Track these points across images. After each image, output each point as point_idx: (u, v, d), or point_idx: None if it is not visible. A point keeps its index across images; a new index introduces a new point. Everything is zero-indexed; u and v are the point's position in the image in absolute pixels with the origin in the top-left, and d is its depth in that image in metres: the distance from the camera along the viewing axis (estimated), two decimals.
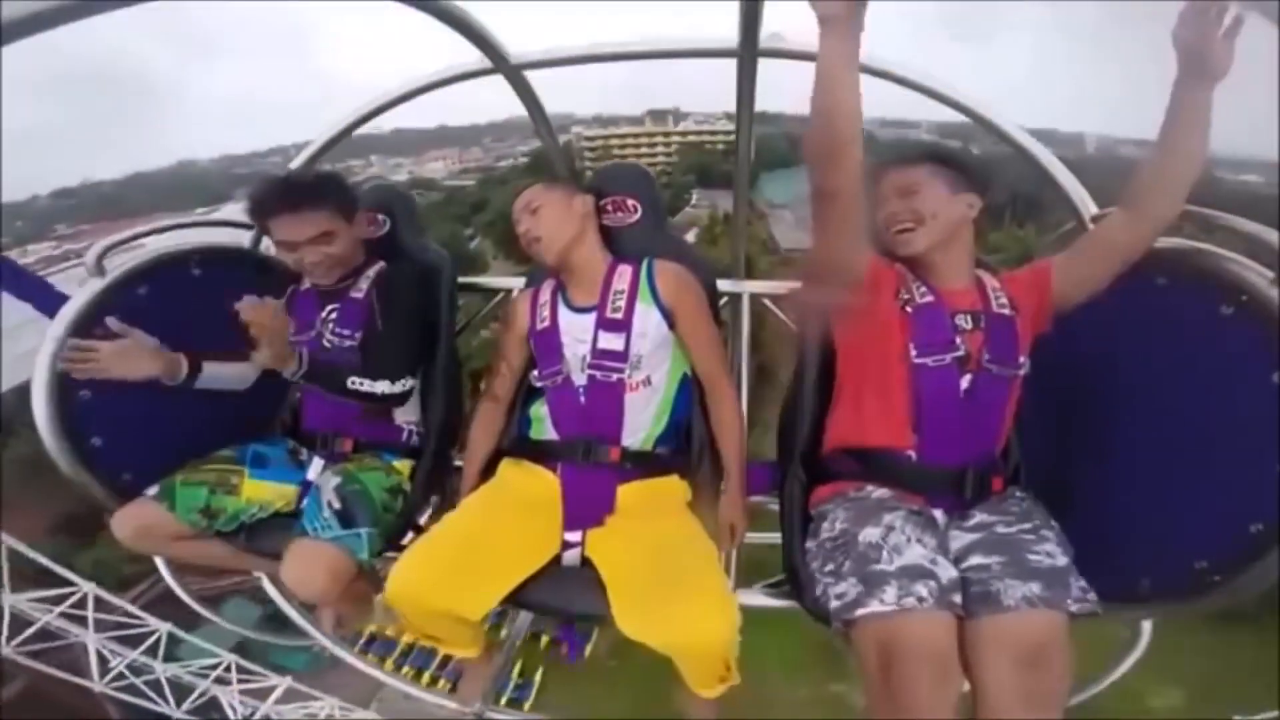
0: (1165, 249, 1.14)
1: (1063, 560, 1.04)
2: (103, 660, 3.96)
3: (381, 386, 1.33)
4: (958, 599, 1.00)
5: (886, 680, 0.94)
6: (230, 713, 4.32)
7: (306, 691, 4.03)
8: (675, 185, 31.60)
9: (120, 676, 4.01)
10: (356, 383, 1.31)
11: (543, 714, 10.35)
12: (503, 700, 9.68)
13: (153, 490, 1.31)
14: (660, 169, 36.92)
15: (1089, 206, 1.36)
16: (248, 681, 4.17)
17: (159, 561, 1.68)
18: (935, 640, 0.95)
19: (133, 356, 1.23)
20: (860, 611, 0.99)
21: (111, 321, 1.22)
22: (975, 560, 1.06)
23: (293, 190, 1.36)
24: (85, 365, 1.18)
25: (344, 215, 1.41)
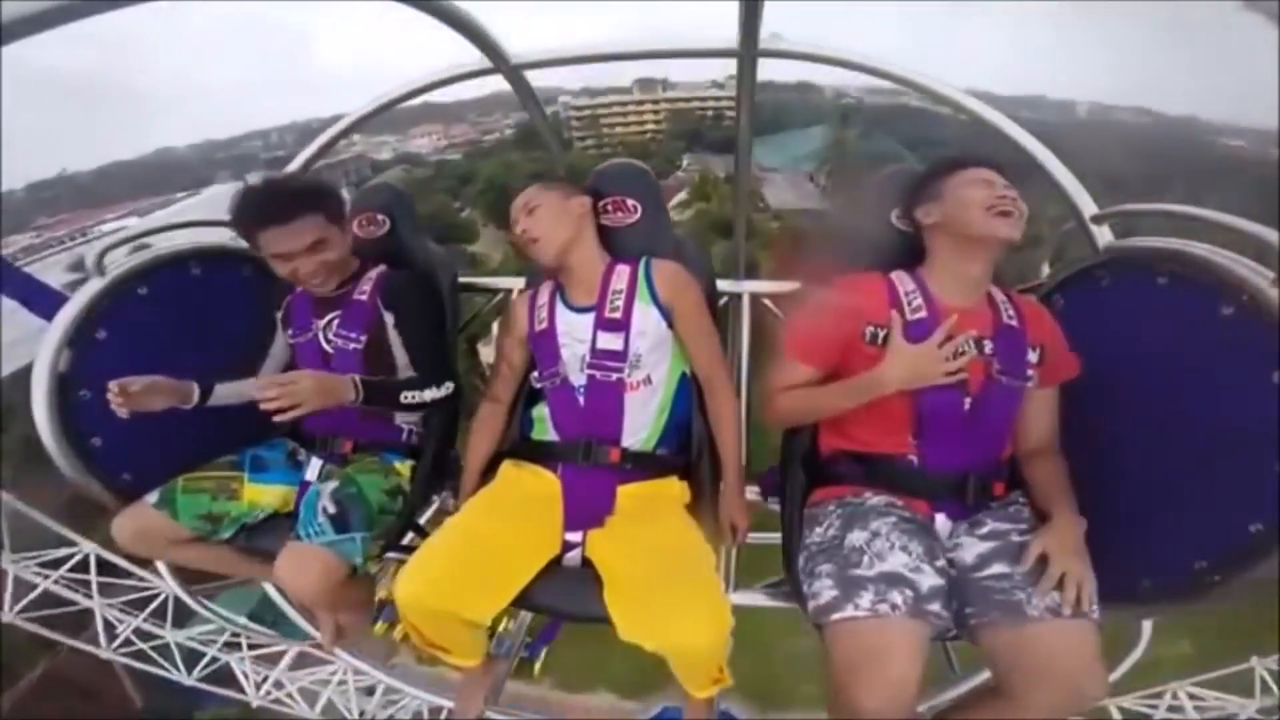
0: (1165, 249, 1.14)
1: None
2: (110, 627, 3.84)
3: (430, 394, 1.36)
4: (936, 607, 1.00)
5: (849, 682, 0.95)
6: (242, 679, 4.17)
7: (319, 655, 3.90)
8: (665, 152, 31.31)
9: (128, 643, 3.90)
10: (409, 397, 1.34)
11: (551, 672, 10.91)
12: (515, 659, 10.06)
13: (152, 498, 1.32)
14: (650, 136, 36.72)
15: (1089, 206, 1.36)
16: (259, 647, 4.03)
17: (160, 565, 1.68)
18: (902, 649, 0.95)
19: (158, 390, 1.26)
20: (836, 616, 1.01)
21: (118, 384, 1.20)
22: (996, 569, 1.06)
23: (279, 199, 1.29)
24: (122, 400, 1.20)
25: (335, 222, 1.36)
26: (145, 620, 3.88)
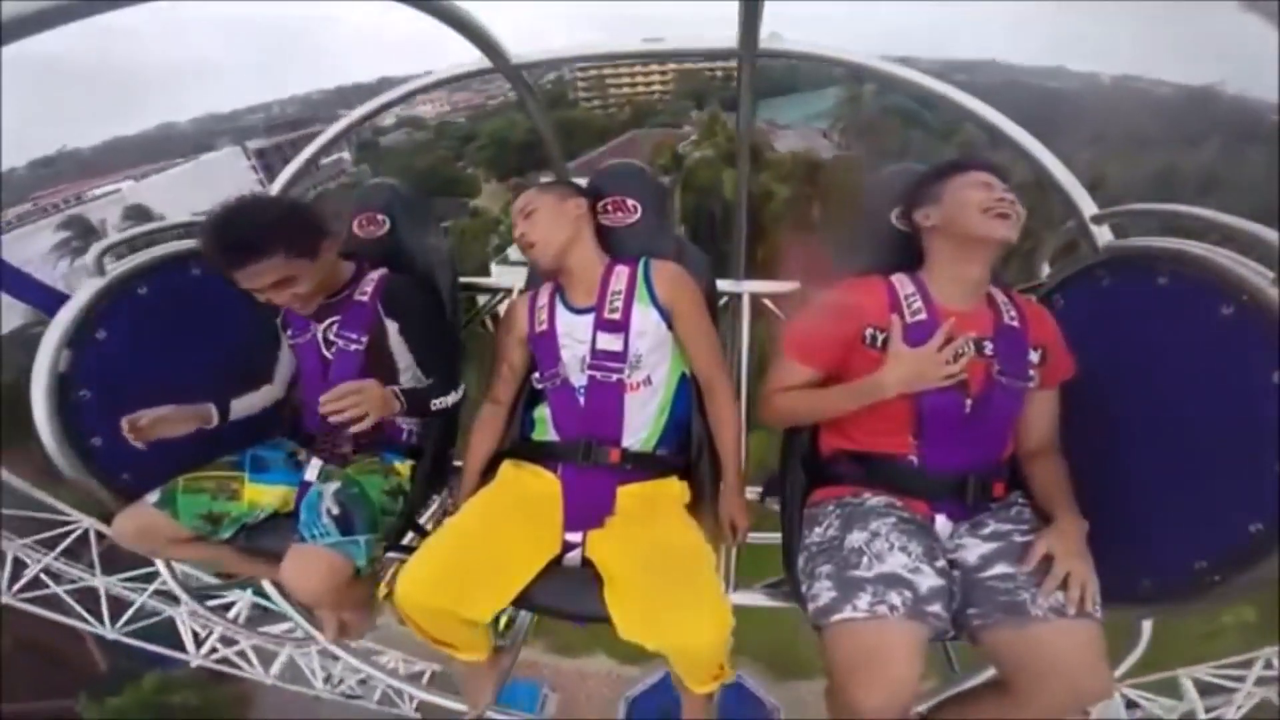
0: (1165, 249, 1.14)
1: None
2: (19, 566, 3.13)
3: (451, 399, 1.40)
4: (935, 608, 1.01)
5: (848, 683, 0.96)
6: (182, 631, 3.41)
7: (278, 609, 2.95)
8: (672, 110, 31.44)
9: (38, 584, 3.14)
10: (438, 404, 1.37)
11: (545, 635, 10.14)
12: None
13: (153, 497, 1.32)
14: (657, 96, 36.99)
15: (1089, 206, 1.35)
16: (204, 598, 3.38)
17: (159, 562, 1.69)
18: (901, 650, 0.96)
19: (169, 421, 1.31)
20: (835, 617, 1.01)
21: (128, 422, 1.25)
22: (1000, 569, 1.07)
23: (235, 244, 1.23)
24: (134, 435, 1.25)
25: (304, 253, 1.29)
26: (59, 559, 3.18)
